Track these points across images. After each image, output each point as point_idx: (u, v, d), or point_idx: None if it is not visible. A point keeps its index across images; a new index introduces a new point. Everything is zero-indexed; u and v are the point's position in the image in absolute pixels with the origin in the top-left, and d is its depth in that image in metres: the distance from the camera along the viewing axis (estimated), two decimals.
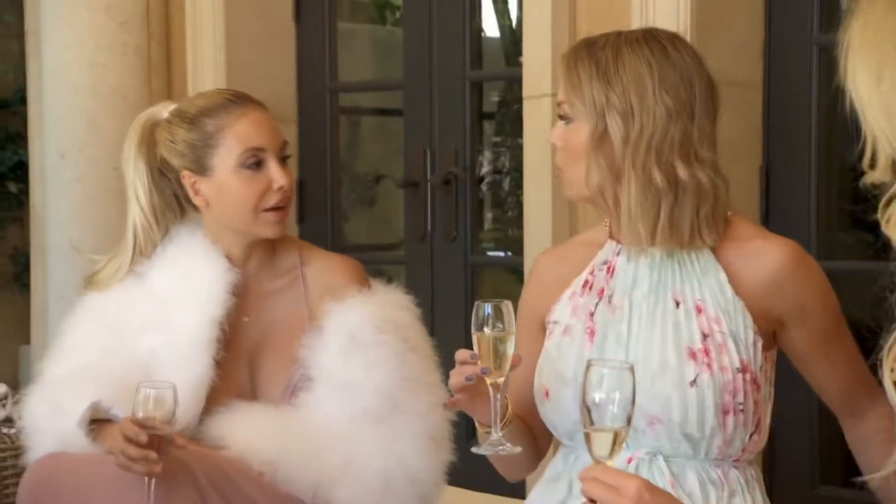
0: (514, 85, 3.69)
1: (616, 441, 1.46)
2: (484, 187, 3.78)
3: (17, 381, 4.69)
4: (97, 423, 1.96)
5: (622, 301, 1.78)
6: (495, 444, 1.68)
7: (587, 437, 1.47)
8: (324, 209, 3.87)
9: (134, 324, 2.08)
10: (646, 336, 1.74)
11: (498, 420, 1.67)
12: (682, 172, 1.71)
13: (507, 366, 1.65)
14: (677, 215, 1.72)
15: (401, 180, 3.65)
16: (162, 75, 3.81)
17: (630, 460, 1.73)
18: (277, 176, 2.05)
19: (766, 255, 1.74)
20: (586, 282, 1.82)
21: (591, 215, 3.01)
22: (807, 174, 2.77)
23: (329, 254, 2.19)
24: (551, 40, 2.98)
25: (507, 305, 1.66)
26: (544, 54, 2.99)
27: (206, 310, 2.06)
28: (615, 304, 1.78)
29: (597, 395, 1.45)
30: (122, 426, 1.83)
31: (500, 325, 1.64)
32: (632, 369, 1.47)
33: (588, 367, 1.47)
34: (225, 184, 2.06)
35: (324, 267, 2.14)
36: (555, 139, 1.78)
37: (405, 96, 3.64)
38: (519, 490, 3.10)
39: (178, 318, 2.07)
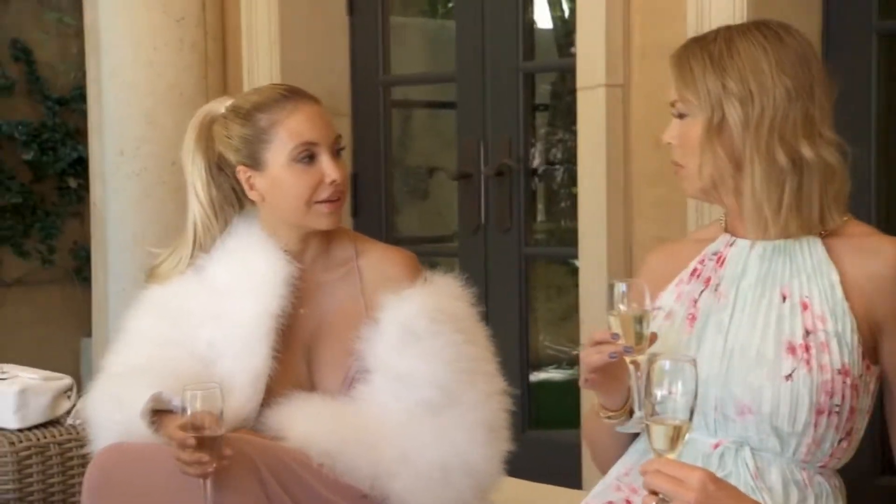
0: (566, 76, 3.68)
1: (678, 435, 1.43)
2: (536, 179, 3.75)
3: (79, 373, 4.76)
4: (158, 413, 1.97)
5: (728, 290, 1.76)
6: (639, 422, 1.64)
7: (648, 428, 1.45)
8: (377, 202, 3.87)
9: (193, 315, 2.09)
10: (747, 326, 1.72)
11: (640, 398, 1.63)
12: (806, 152, 1.69)
13: (647, 344, 1.63)
14: (805, 195, 1.70)
15: (454, 172, 3.65)
16: (218, 71, 3.83)
17: (716, 446, 1.71)
18: (330, 170, 2.05)
19: (881, 252, 1.71)
20: (695, 270, 1.81)
21: (648, 207, 2.99)
22: (868, 164, 2.72)
23: (384, 245, 2.19)
24: (605, 30, 2.96)
25: (641, 283, 1.65)
26: (598, 44, 2.97)
27: (263, 302, 2.06)
28: (721, 293, 1.77)
29: (659, 389, 1.43)
30: (171, 433, 1.84)
31: (637, 304, 1.63)
32: (694, 362, 1.45)
33: (651, 360, 1.45)
34: (278, 178, 2.06)
35: (379, 258, 2.14)
36: (670, 138, 1.77)
37: (458, 89, 3.64)
38: (575, 481, 3.09)
39: (237, 311, 2.07)
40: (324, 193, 2.05)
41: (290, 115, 2.06)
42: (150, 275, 2.19)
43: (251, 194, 2.10)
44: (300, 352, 2.11)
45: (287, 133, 2.05)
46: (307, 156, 2.05)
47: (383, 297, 2.04)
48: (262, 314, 2.06)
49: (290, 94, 2.09)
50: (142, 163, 3.65)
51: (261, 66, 3.77)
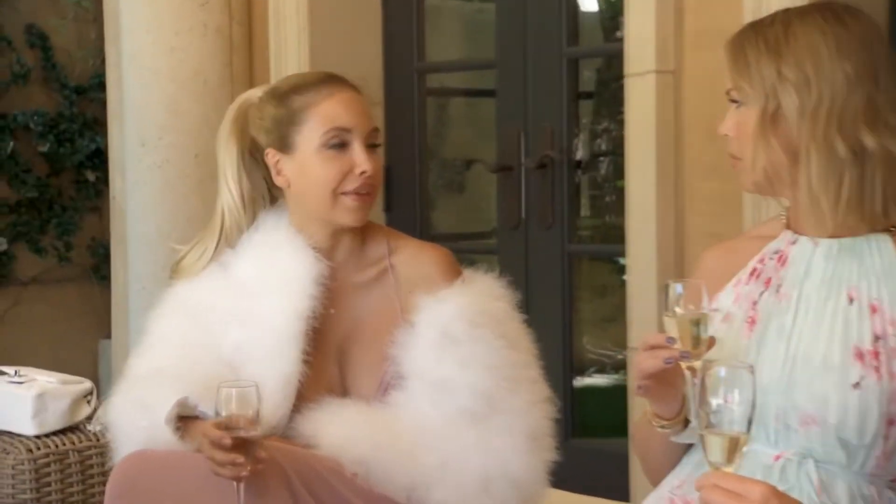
0: (613, 62, 3.67)
1: (735, 447, 1.42)
2: (580, 171, 3.75)
3: (98, 377, 4.80)
4: (184, 420, 1.98)
5: (791, 291, 1.74)
6: (695, 432, 1.61)
7: (703, 440, 1.44)
8: (411, 196, 3.88)
9: (218, 315, 2.09)
10: (811, 330, 1.71)
11: (695, 406, 1.60)
12: (868, 141, 1.67)
13: (705, 348, 1.62)
14: (866, 187, 1.68)
15: (493, 165, 3.66)
16: (243, 58, 3.85)
17: (778, 458, 1.70)
18: (361, 160, 2.05)
19: None
20: (754, 270, 1.79)
21: (701, 201, 2.98)
22: None
23: (418, 242, 2.18)
24: (655, 13, 2.95)
25: (700, 284, 1.64)
26: (648, 28, 2.96)
27: (292, 302, 2.06)
28: (783, 294, 1.75)
29: (714, 397, 1.42)
30: (206, 430, 1.83)
31: (694, 306, 1.62)
32: (751, 369, 1.44)
33: (705, 368, 1.44)
34: (307, 163, 2.06)
35: (413, 256, 2.13)
36: (726, 129, 1.76)
37: (498, 76, 3.64)
38: (622, 493, 3.08)
39: (264, 311, 2.07)
40: (352, 184, 2.05)
41: (325, 98, 2.07)
42: (174, 271, 2.19)
43: (277, 180, 2.11)
44: (332, 355, 2.10)
45: (320, 116, 2.06)
46: (338, 142, 2.06)
47: (419, 299, 2.04)
48: (292, 315, 2.05)
49: (330, 79, 2.11)
50: (164, 154, 3.67)
51: (289, 52, 3.78)
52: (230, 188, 2.13)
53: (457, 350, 2.01)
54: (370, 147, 2.08)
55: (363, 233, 2.14)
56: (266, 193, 2.17)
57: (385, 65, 3.86)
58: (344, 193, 2.05)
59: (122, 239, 3.90)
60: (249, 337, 2.07)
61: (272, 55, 3.84)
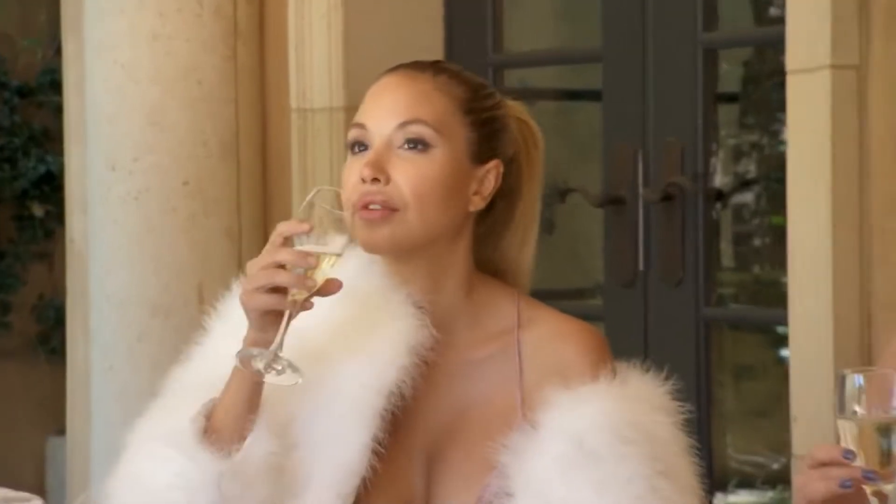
0: (766, 53, 3.66)
1: None
2: (720, 205, 3.73)
3: (45, 488, 4.81)
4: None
5: None
6: None
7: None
8: None
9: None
10: None
11: None
12: None
13: None
14: None
15: (598, 196, 3.65)
16: (252, 48, 3.88)
17: None
18: (365, 162, 2.11)
19: None
20: None
21: (895, 250, 2.95)
22: None
23: (561, 316, 2.19)
24: None
25: (890, 375, 1.67)
26: (821, 7, 2.95)
27: (373, 369, 2.09)
28: None
29: None
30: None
31: (882, 406, 1.65)
32: None
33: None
34: None
35: (551, 334, 2.15)
36: None
37: (605, 72, 3.65)
38: None
39: (329, 374, 2.09)
40: (353, 196, 2.10)
41: (370, 89, 2.17)
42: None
43: None
44: (416, 454, 2.12)
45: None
46: (353, 142, 2.14)
47: (550, 392, 2.06)
48: (369, 388, 2.07)
49: (400, 65, 2.18)
50: (142, 181, 3.70)
51: (314, 41, 3.80)
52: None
53: (593, 470, 2.01)
54: (406, 146, 2.11)
55: (485, 292, 2.17)
56: None
57: (448, 57, 3.87)
58: (360, 209, 2.10)
59: (83, 298, 3.92)
60: (311, 409, 2.09)
61: (291, 44, 3.86)
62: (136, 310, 3.67)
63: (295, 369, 1.96)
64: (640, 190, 3.54)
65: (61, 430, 4.32)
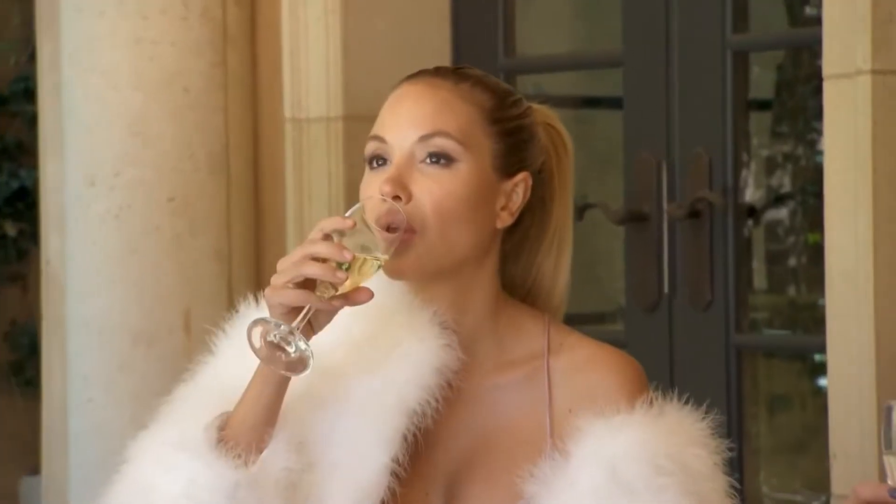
0: (801, 56, 3.67)
1: None
2: (752, 222, 3.73)
3: None
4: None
5: None
6: None
7: None
8: None
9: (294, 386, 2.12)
10: None
11: None
12: None
13: None
14: None
15: (618, 212, 3.66)
16: (243, 52, 3.89)
17: None
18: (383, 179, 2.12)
19: None
20: None
21: None
22: None
23: (592, 342, 2.22)
24: None
25: None
26: (860, 6, 2.95)
27: (397, 388, 2.10)
28: None
29: None
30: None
31: None
32: None
33: None
34: None
35: (584, 360, 2.18)
36: None
37: (626, 78, 3.66)
38: None
39: (350, 392, 2.11)
40: (372, 215, 2.09)
41: (388, 98, 2.19)
42: None
43: None
44: (438, 481, 2.15)
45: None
46: (370, 156, 2.16)
47: (582, 420, 2.08)
48: (390, 406, 2.09)
49: (420, 71, 2.20)
50: (123, 198, 3.70)
51: (310, 45, 3.80)
52: None
53: (627, 501, 2.04)
54: (428, 160, 2.13)
55: (511, 315, 2.20)
56: None
57: (456, 62, 3.87)
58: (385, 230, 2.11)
59: (59, 324, 3.91)
60: (325, 426, 2.10)
61: (285, 49, 3.87)
62: (117, 338, 3.67)
63: (306, 357, 1.98)
64: (665, 205, 3.55)
65: (36, 469, 4.32)
